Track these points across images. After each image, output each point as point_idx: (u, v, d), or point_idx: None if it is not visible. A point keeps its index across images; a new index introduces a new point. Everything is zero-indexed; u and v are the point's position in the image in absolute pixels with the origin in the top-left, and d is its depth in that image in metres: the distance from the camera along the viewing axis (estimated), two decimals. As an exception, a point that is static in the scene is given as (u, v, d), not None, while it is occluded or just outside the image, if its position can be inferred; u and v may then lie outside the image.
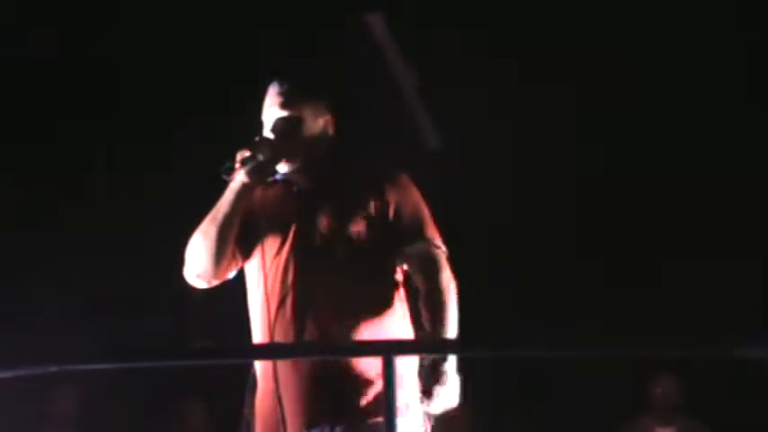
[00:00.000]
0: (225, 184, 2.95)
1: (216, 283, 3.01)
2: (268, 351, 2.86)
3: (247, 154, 2.90)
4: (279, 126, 2.97)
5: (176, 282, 3.01)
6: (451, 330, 2.90)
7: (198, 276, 2.98)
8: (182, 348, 2.68)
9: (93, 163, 5.79)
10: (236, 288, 3.05)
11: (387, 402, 2.25)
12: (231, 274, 3.02)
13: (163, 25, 5.35)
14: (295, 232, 2.94)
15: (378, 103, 4.35)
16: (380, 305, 2.94)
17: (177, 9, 5.31)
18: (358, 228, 2.93)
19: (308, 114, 2.99)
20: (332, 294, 2.90)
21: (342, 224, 2.93)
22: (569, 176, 5.71)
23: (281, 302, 2.91)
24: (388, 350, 2.32)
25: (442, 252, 2.98)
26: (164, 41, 5.43)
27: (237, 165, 2.90)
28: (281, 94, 2.98)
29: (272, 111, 2.99)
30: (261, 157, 2.90)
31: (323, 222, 2.94)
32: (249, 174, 2.90)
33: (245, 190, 2.92)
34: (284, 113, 2.98)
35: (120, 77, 5.55)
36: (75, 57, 5.47)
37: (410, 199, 3.00)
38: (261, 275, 2.94)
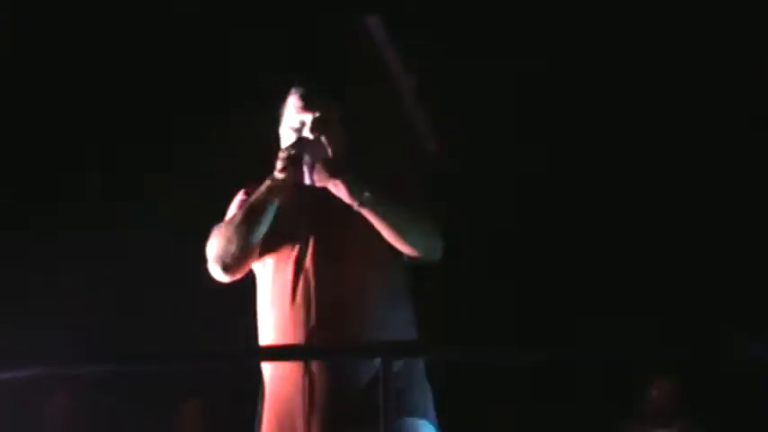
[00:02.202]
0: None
1: (239, 276, 3.03)
2: (260, 354, 2.86)
3: (293, 152, 2.96)
4: (316, 126, 3.04)
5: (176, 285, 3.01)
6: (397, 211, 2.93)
7: (228, 266, 2.98)
8: (178, 352, 2.68)
9: (91, 164, 5.81)
10: (233, 294, 3.05)
11: (383, 404, 2.26)
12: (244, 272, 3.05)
13: (161, 25, 5.37)
14: (311, 230, 2.98)
15: (376, 104, 4.39)
16: (394, 304, 2.97)
17: (176, 9, 5.32)
18: (371, 226, 2.95)
19: (332, 115, 3.07)
20: (348, 292, 2.92)
21: (358, 222, 2.95)
22: (569, 175, 5.73)
23: (294, 300, 2.93)
24: (386, 352, 2.33)
25: (434, 219, 3.00)
26: (162, 42, 5.44)
27: (283, 163, 2.95)
28: (310, 96, 3.08)
29: (300, 113, 3.06)
30: (307, 158, 2.96)
31: (339, 220, 2.97)
32: (290, 172, 2.95)
33: (280, 187, 2.97)
34: (316, 114, 3.05)
35: (120, 78, 5.56)
36: (76, 57, 5.49)
37: (413, 192, 3.05)
38: (274, 273, 2.98)
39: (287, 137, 3.09)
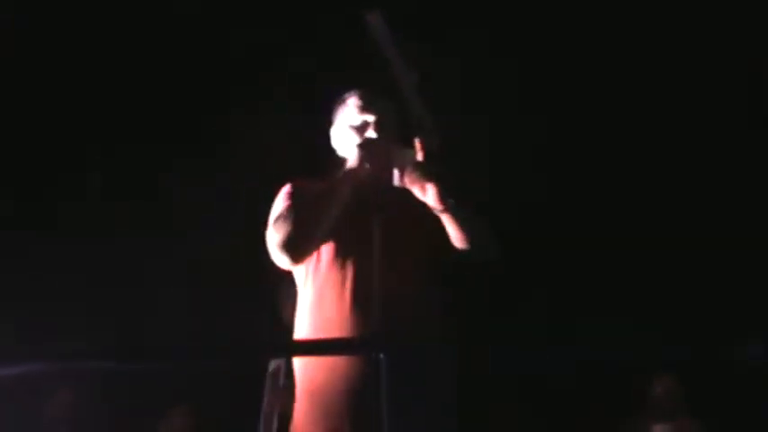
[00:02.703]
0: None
1: (302, 263, 3.07)
2: (253, 349, 2.86)
3: (375, 149, 3.06)
4: (382, 126, 3.16)
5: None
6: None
7: (297, 254, 3.01)
8: (172, 348, 2.68)
9: (91, 164, 5.81)
10: (233, 293, 3.05)
11: (381, 398, 2.26)
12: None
13: (161, 25, 5.37)
14: (380, 227, 3.02)
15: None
16: (442, 304, 3.05)
17: (176, 9, 5.33)
18: (427, 224, 3.03)
19: (390, 115, 3.21)
20: (411, 292, 2.97)
21: (421, 223, 3.04)
22: (570, 175, 5.73)
23: (354, 295, 2.97)
24: (383, 348, 2.34)
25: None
26: (162, 42, 5.44)
27: (364, 159, 3.05)
28: (371, 97, 3.21)
29: (363, 113, 3.19)
30: (398, 159, 3.05)
31: (407, 220, 3.05)
32: (371, 168, 3.05)
33: (355, 181, 3.05)
34: (379, 115, 3.18)
35: (120, 78, 5.56)
36: (75, 57, 5.49)
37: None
38: (330, 266, 3.02)
39: (346, 136, 3.20)
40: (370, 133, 3.14)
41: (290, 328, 3.87)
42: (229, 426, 4.62)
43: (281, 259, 3.01)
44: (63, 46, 5.43)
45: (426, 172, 2.99)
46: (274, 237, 3.00)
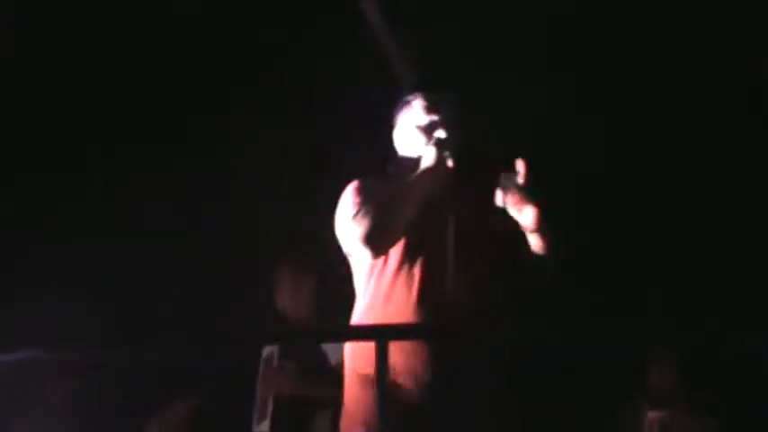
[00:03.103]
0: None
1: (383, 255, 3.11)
2: (252, 338, 2.87)
3: (445, 147, 3.11)
4: (450, 125, 3.19)
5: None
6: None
7: (379, 249, 3.05)
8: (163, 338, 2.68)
9: (91, 164, 5.81)
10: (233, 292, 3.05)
11: (378, 386, 2.26)
12: None
13: (161, 25, 5.38)
14: (455, 228, 3.08)
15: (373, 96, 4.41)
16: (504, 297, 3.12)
17: (176, 9, 5.34)
18: (506, 227, 3.07)
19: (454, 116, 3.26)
20: (480, 297, 3.03)
21: (496, 222, 3.08)
22: (573, 175, 5.72)
23: (423, 295, 3.02)
24: (381, 335, 2.35)
25: None
26: (162, 42, 5.45)
27: (446, 156, 3.11)
28: (438, 97, 3.27)
29: (430, 114, 3.23)
30: (508, 181, 3.06)
31: (478, 219, 3.10)
32: (443, 166, 3.11)
33: (437, 178, 3.12)
34: (446, 114, 3.23)
35: (120, 77, 5.57)
36: (76, 57, 5.50)
37: None
38: (401, 264, 3.06)
39: (412, 137, 3.23)
40: (440, 133, 3.16)
41: (285, 317, 3.87)
42: (225, 416, 4.62)
43: (361, 252, 3.05)
44: (63, 46, 5.44)
45: (529, 195, 3.00)
46: (356, 230, 3.03)
